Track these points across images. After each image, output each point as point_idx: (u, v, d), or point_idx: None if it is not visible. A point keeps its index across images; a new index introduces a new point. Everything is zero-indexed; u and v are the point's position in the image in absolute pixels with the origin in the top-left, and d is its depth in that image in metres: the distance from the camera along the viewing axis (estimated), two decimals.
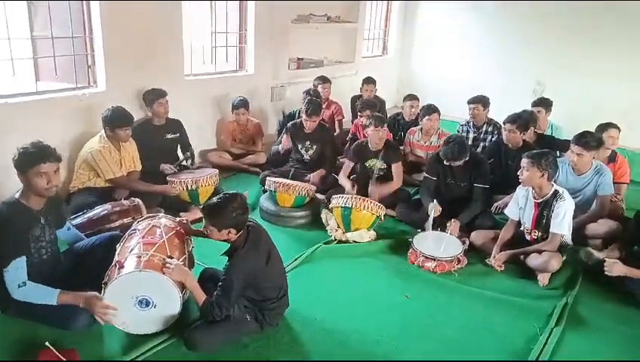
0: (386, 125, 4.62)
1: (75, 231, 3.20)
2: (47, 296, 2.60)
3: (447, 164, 4.17)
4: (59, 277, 2.71)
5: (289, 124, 5.20)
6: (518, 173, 3.64)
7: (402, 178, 4.67)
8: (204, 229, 2.77)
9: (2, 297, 2.68)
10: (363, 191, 4.48)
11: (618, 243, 3.64)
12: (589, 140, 3.93)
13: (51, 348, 2.45)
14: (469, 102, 5.52)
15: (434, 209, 3.97)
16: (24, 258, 2.58)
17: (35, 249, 2.73)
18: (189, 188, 4.24)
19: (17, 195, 2.70)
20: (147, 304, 2.63)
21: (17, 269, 2.55)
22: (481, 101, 5.49)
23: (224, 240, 2.76)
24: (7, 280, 2.56)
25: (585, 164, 3.99)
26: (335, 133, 5.89)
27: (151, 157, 4.51)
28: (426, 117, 5.23)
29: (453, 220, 3.96)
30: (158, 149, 4.63)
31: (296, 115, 5.70)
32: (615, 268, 3.29)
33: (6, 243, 2.55)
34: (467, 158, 4.15)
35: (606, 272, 3.32)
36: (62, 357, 2.42)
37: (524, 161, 3.56)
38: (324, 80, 6.10)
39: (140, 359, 2.59)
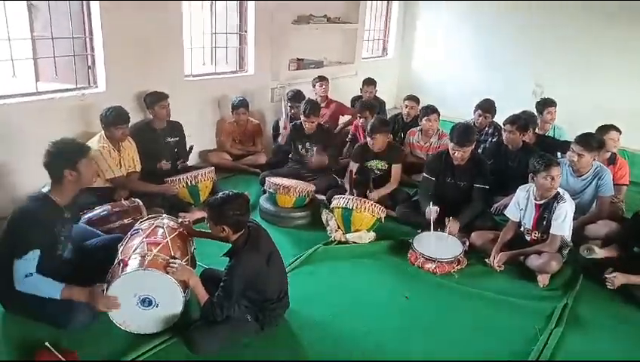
0: (385, 130, 4.55)
1: (84, 226, 3.26)
2: (52, 289, 2.60)
3: (453, 155, 4.16)
4: (63, 275, 2.71)
5: (290, 125, 5.19)
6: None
7: (400, 179, 4.67)
8: (207, 222, 2.82)
9: (4, 293, 2.69)
10: (362, 191, 4.48)
11: (617, 243, 3.64)
12: (591, 141, 3.94)
13: (51, 348, 2.45)
14: (480, 110, 5.45)
15: (433, 212, 3.95)
16: (39, 252, 2.60)
17: (60, 243, 2.76)
18: (189, 184, 4.24)
19: (45, 190, 2.74)
20: (150, 303, 2.64)
21: (30, 260, 2.57)
22: (492, 111, 5.47)
23: (222, 239, 2.78)
24: (16, 270, 2.57)
25: (585, 164, 3.99)
26: (337, 128, 5.92)
27: (150, 159, 4.50)
28: (425, 117, 5.24)
29: (452, 218, 3.96)
30: (158, 152, 4.62)
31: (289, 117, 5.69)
32: (616, 281, 3.34)
33: (27, 235, 2.58)
34: (469, 157, 4.16)
35: (609, 286, 3.36)
36: (61, 357, 2.42)
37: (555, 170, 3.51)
38: (320, 78, 6.11)
39: (140, 359, 2.58)
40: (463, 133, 4.06)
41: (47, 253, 2.63)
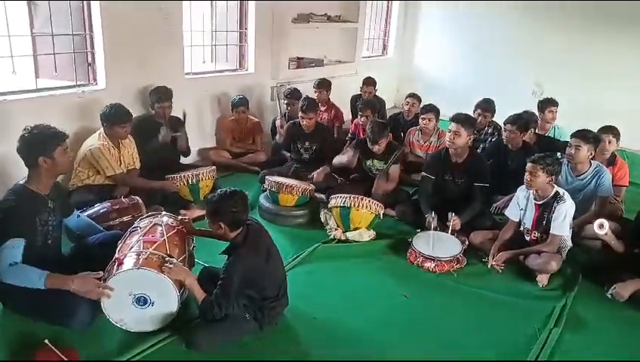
0: (386, 134, 4.54)
1: (88, 220, 3.23)
2: (35, 278, 2.52)
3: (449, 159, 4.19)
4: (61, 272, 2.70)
5: (289, 123, 5.18)
6: (526, 178, 3.56)
7: (398, 179, 4.66)
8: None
9: (3, 291, 2.68)
10: (360, 188, 4.47)
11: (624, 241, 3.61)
12: (587, 134, 3.98)
13: (50, 345, 2.45)
14: (480, 109, 5.45)
15: (434, 221, 3.91)
16: (22, 241, 2.57)
17: (42, 233, 2.73)
18: (190, 182, 4.24)
19: (23, 182, 2.72)
20: (145, 302, 2.63)
21: (13, 248, 2.54)
22: (491, 110, 5.47)
23: (221, 237, 2.77)
24: (0, 260, 2.53)
25: (582, 158, 4.00)
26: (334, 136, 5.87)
27: (150, 153, 4.49)
28: (421, 116, 5.24)
29: (454, 215, 3.92)
30: (158, 146, 4.61)
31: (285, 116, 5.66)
32: (625, 292, 3.31)
33: (9, 226, 2.56)
34: (466, 157, 4.17)
35: (618, 299, 3.32)
36: (61, 356, 2.42)
37: (530, 166, 3.51)
38: (318, 85, 5.92)
39: (139, 357, 2.58)
40: (457, 115, 4.15)
41: (27, 242, 2.60)
